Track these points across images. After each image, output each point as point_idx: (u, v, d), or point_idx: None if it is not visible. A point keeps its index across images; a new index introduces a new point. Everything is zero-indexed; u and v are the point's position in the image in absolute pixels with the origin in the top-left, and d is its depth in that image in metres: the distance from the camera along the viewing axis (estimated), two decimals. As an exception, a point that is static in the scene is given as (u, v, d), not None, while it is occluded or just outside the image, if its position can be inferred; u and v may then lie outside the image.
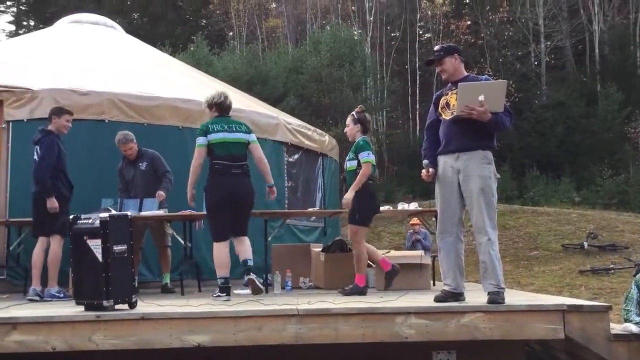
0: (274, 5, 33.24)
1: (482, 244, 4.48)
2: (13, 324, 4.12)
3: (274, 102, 17.09)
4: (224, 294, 5.23)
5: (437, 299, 4.56)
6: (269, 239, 6.51)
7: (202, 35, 27.75)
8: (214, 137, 5.37)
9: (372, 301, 4.71)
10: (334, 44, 24.00)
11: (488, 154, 4.57)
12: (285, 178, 8.89)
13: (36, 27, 25.68)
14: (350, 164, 5.62)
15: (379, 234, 17.81)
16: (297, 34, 30.92)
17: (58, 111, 5.92)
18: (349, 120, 5.80)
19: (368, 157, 5.51)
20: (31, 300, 5.56)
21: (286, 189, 8.87)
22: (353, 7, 30.67)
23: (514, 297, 5.00)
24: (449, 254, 4.62)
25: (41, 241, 5.80)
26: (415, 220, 9.75)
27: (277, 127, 8.78)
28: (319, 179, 9.99)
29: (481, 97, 4.39)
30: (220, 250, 5.33)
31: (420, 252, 7.13)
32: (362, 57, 25.18)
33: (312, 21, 30.66)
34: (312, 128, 10.21)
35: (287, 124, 9.10)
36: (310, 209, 8.26)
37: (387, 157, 26.44)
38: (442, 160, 4.69)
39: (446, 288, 4.62)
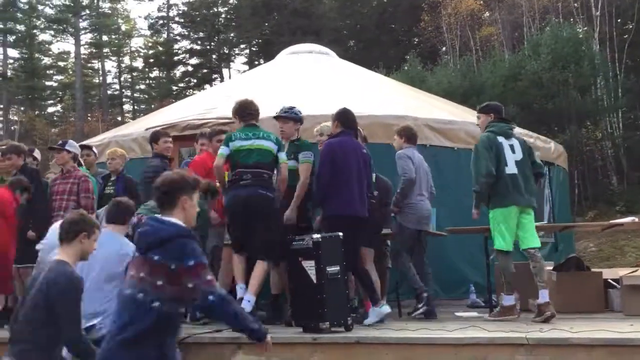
0: (487, 14, 32.11)
1: None
2: (238, 344, 4.27)
3: (492, 112, 16.28)
4: None
5: None
6: (491, 256, 6.02)
7: (414, 53, 27.82)
8: None
9: (620, 329, 3.98)
10: (556, 45, 22.21)
11: None
12: (508, 191, 8.25)
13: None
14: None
15: (621, 249, 15.82)
16: (514, 40, 29.39)
17: None
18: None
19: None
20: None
21: (509, 202, 8.22)
22: (575, 4, 28.24)
23: None
24: None
25: None
26: None
27: (494, 136, 8.21)
28: (546, 189, 9.12)
29: None
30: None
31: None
32: (590, 56, 22.92)
33: (529, 24, 28.91)
34: (535, 135, 9.41)
35: (506, 133, 8.47)
36: (538, 223, 7.51)
37: (627, 162, 23.61)
38: None
39: None
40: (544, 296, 5.08)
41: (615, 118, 24.64)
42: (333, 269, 4.30)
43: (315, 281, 4.27)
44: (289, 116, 5.61)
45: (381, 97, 9.02)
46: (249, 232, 4.90)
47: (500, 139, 5.33)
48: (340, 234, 4.49)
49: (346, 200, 4.93)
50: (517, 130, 9.28)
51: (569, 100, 20.94)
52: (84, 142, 8.14)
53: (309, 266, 4.32)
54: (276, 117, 5.69)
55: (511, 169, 5.23)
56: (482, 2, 31.21)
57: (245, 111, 5.47)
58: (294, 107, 5.68)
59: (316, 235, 4.38)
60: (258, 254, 4.91)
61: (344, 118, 5.39)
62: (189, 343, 4.23)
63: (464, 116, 8.91)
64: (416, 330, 4.21)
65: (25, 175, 5.76)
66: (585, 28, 27.11)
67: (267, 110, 7.59)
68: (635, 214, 12.36)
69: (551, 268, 6.25)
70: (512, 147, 5.35)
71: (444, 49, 31.90)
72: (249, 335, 3.05)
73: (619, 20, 27.89)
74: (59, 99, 39.39)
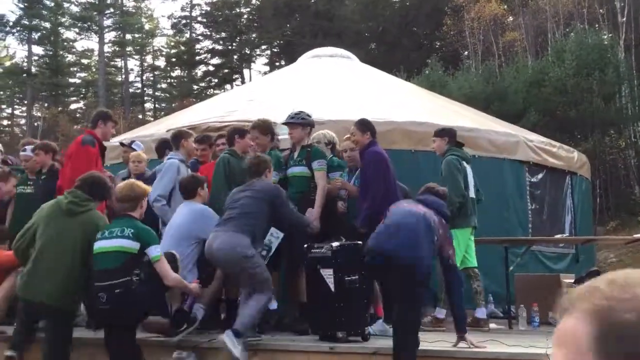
0: (510, 18, 31.81)
1: None
2: (255, 350, 4.26)
3: (513, 119, 16.09)
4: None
5: None
6: (511, 268, 5.96)
7: (436, 57, 27.66)
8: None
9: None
10: (580, 52, 21.93)
11: None
12: (528, 200, 8.17)
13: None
14: None
15: (645, 260, 15.55)
16: (537, 45, 29.08)
17: None
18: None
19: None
20: None
21: (529, 212, 8.14)
22: (601, 10, 27.88)
23: None
24: None
25: None
26: None
27: (517, 145, 8.14)
28: (568, 200, 9.00)
29: None
30: None
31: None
32: (615, 63, 22.62)
33: (553, 30, 28.60)
34: (558, 144, 9.30)
35: (528, 141, 8.39)
36: (558, 235, 7.43)
37: (650, 172, 23.22)
38: None
39: None
40: (483, 312, 5.66)
41: (639, 127, 24.28)
42: (351, 277, 4.27)
43: (333, 290, 4.25)
44: (296, 122, 5.66)
45: (402, 103, 8.97)
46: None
47: (464, 163, 5.80)
48: (360, 242, 4.45)
49: None
50: (540, 139, 9.23)
51: (593, 107, 20.65)
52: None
53: (328, 274, 4.29)
54: (284, 124, 5.79)
55: (472, 193, 5.78)
56: (505, 7, 30.93)
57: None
58: (302, 112, 5.71)
59: (335, 244, 4.36)
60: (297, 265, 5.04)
61: (373, 127, 5.46)
62: (204, 348, 4.24)
63: (486, 124, 8.83)
64: (434, 342, 4.17)
65: (50, 176, 5.80)
66: (611, 35, 26.77)
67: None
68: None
69: (572, 280, 6.16)
70: (471, 172, 5.87)
71: (466, 53, 31.66)
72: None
73: (645, 28, 27.45)
74: (82, 95, 39.82)
